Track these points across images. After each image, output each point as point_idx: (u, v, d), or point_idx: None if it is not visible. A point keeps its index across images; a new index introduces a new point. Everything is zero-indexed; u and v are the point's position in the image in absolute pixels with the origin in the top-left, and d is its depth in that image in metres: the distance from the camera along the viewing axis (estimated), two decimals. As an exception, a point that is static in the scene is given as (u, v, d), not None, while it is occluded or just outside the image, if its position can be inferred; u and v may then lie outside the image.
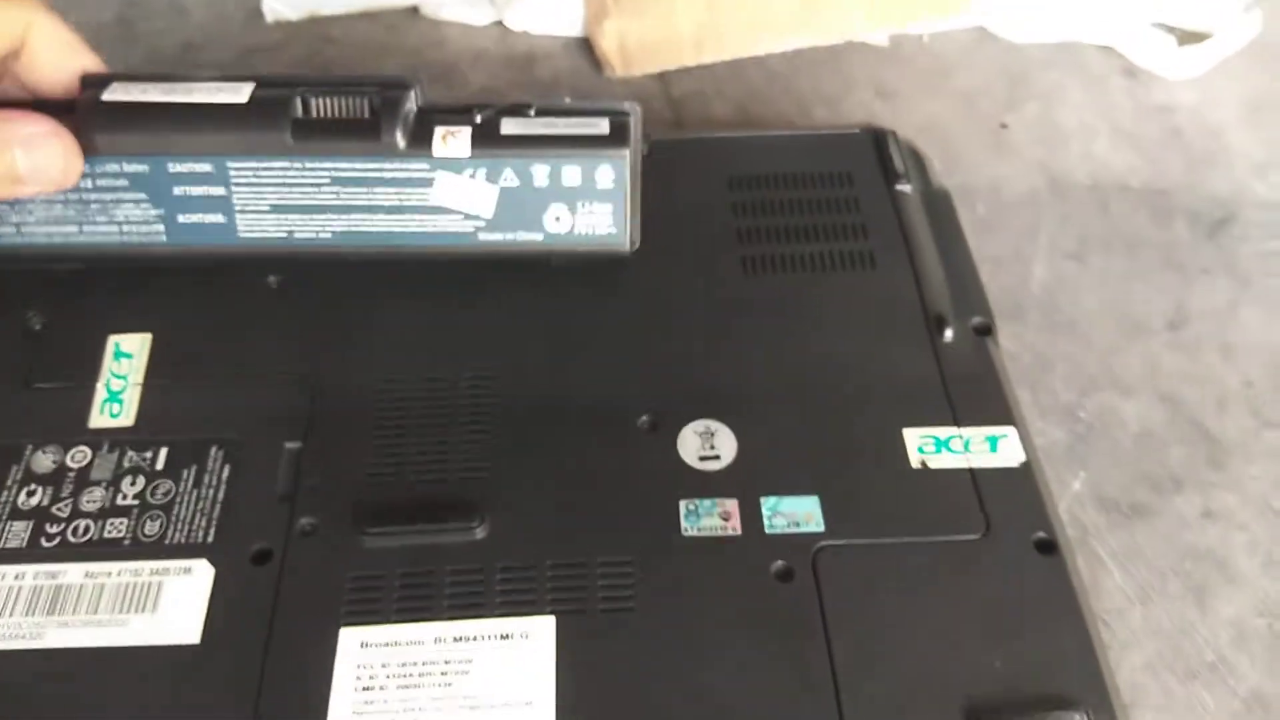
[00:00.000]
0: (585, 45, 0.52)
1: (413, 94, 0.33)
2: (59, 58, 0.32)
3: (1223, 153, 0.48)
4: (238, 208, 0.33)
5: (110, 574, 0.29)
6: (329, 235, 0.34)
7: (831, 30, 0.51)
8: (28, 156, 0.30)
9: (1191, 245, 0.44)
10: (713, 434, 0.32)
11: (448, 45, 0.52)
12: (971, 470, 0.31)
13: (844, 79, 0.51)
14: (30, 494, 0.30)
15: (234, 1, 0.54)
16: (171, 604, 0.28)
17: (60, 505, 0.30)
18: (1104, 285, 0.42)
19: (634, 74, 0.51)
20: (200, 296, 0.35)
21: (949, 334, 0.35)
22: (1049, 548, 0.30)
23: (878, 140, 0.41)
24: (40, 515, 0.30)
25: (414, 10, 0.54)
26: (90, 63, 0.32)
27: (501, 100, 0.34)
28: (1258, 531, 0.35)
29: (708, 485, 0.31)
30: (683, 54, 0.51)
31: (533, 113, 0.34)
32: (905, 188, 0.39)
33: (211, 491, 0.30)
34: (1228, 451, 0.37)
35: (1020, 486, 0.31)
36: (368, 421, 0.32)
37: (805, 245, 0.37)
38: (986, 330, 0.35)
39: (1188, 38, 0.51)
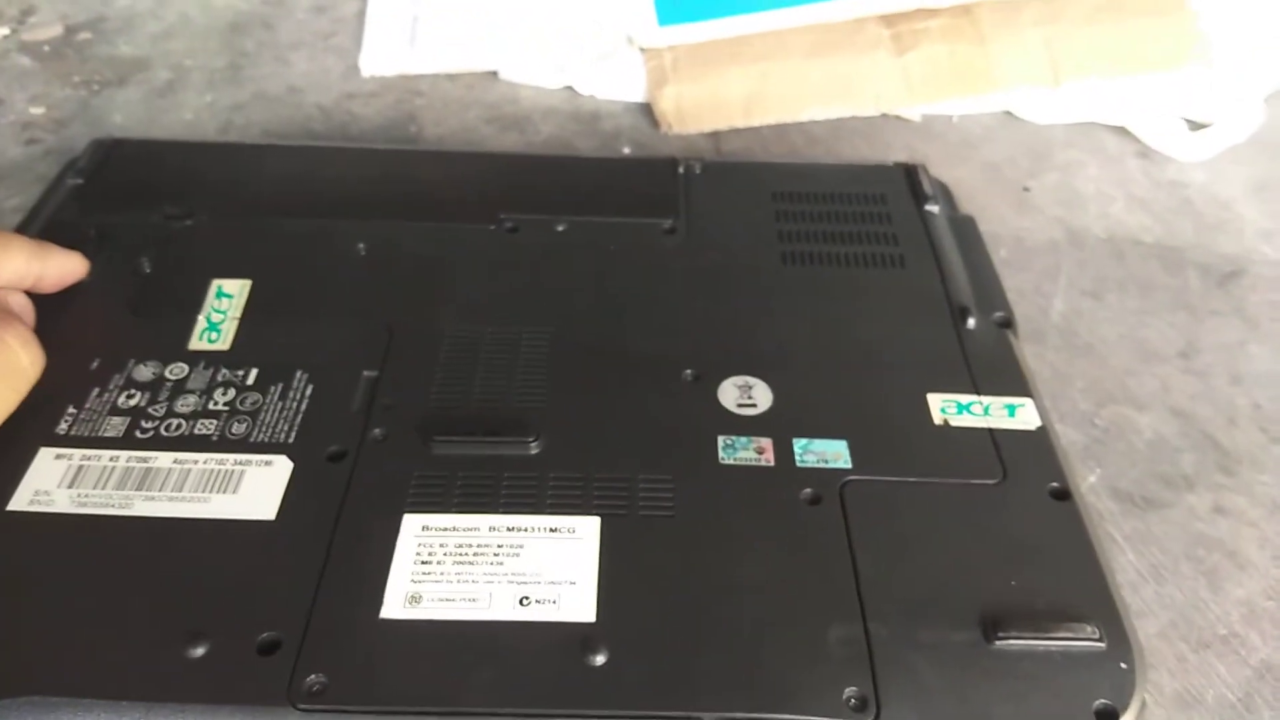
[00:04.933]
0: (645, 108, 0.58)
1: None
2: (25, 266, 0.35)
3: (1232, 220, 0.51)
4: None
5: (197, 462, 0.32)
6: None
7: (869, 103, 0.57)
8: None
9: (1202, 292, 0.47)
10: (750, 387, 0.35)
11: (521, 102, 0.58)
12: (990, 430, 0.34)
13: (879, 147, 0.56)
14: (130, 397, 0.34)
15: (334, 57, 0.60)
16: (251, 488, 0.31)
17: (156, 407, 0.33)
18: (1120, 319, 0.45)
19: (688, 131, 0.56)
20: (296, 255, 0.39)
21: (971, 322, 0.38)
22: (1063, 495, 0.32)
23: (909, 171, 0.45)
24: (137, 414, 0.33)
25: (493, 74, 0.60)
26: (60, 262, 0.36)
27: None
28: (1267, 530, 0.37)
29: (744, 427, 0.33)
30: (732, 116, 0.56)
31: None
32: (934, 208, 0.43)
33: (295, 404, 0.34)
34: (1238, 460, 0.39)
35: (1036, 445, 0.33)
36: (438, 359, 0.35)
37: (840, 246, 0.41)
38: (1007, 324, 0.38)
39: (1198, 125, 0.56)
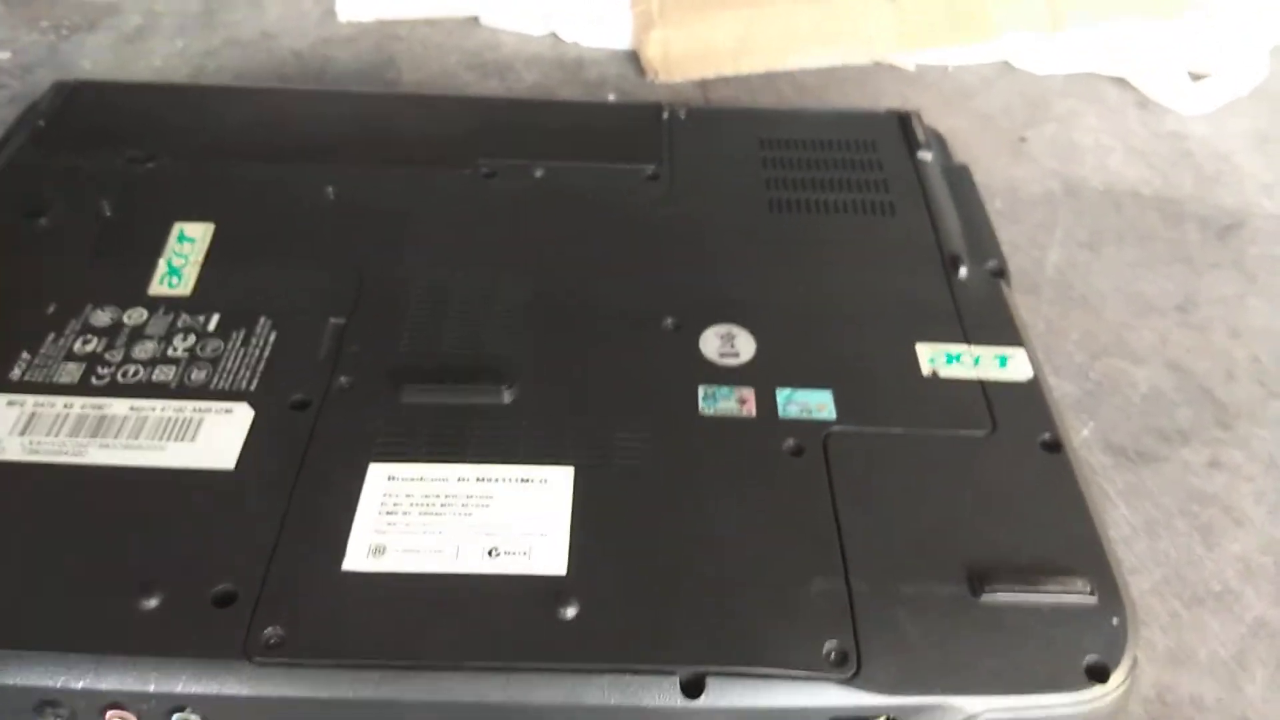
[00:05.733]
0: (631, 56, 0.56)
1: None
2: None
3: (1231, 173, 0.50)
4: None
5: (154, 409, 0.30)
6: None
7: (861, 50, 0.55)
8: None
9: (1201, 244, 0.46)
10: (733, 337, 0.33)
11: (504, 49, 0.56)
12: (980, 381, 0.32)
13: (871, 96, 0.54)
14: (85, 342, 0.32)
15: (310, 0, 0.58)
16: (209, 436, 0.30)
17: (112, 352, 0.32)
18: (1116, 271, 0.44)
19: (675, 80, 0.54)
20: (262, 198, 0.38)
21: (963, 271, 0.36)
22: (1054, 447, 0.31)
23: (902, 119, 0.43)
24: (93, 360, 0.32)
25: (474, 19, 0.58)
26: None
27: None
28: (1264, 484, 0.36)
29: (726, 377, 0.32)
30: (721, 63, 0.54)
31: None
32: (926, 155, 0.41)
33: (257, 351, 0.32)
34: (1235, 415, 0.38)
35: (1028, 396, 0.32)
36: (408, 307, 0.34)
37: (828, 194, 0.39)
38: (1000, 273, 0.37)
39: (1199, 77, 0.55)
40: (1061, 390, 0.38)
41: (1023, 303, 0.39)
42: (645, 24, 0.55)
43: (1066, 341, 0.40)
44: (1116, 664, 0.26)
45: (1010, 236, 0.44)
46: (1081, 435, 0.37)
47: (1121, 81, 0.55)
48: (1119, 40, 0.55)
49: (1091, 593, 0.27)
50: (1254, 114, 0.54)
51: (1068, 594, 0.27)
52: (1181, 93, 0.54)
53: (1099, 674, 0.25)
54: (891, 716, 0.25)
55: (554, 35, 0.57)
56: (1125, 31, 0.55)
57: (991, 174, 0.49)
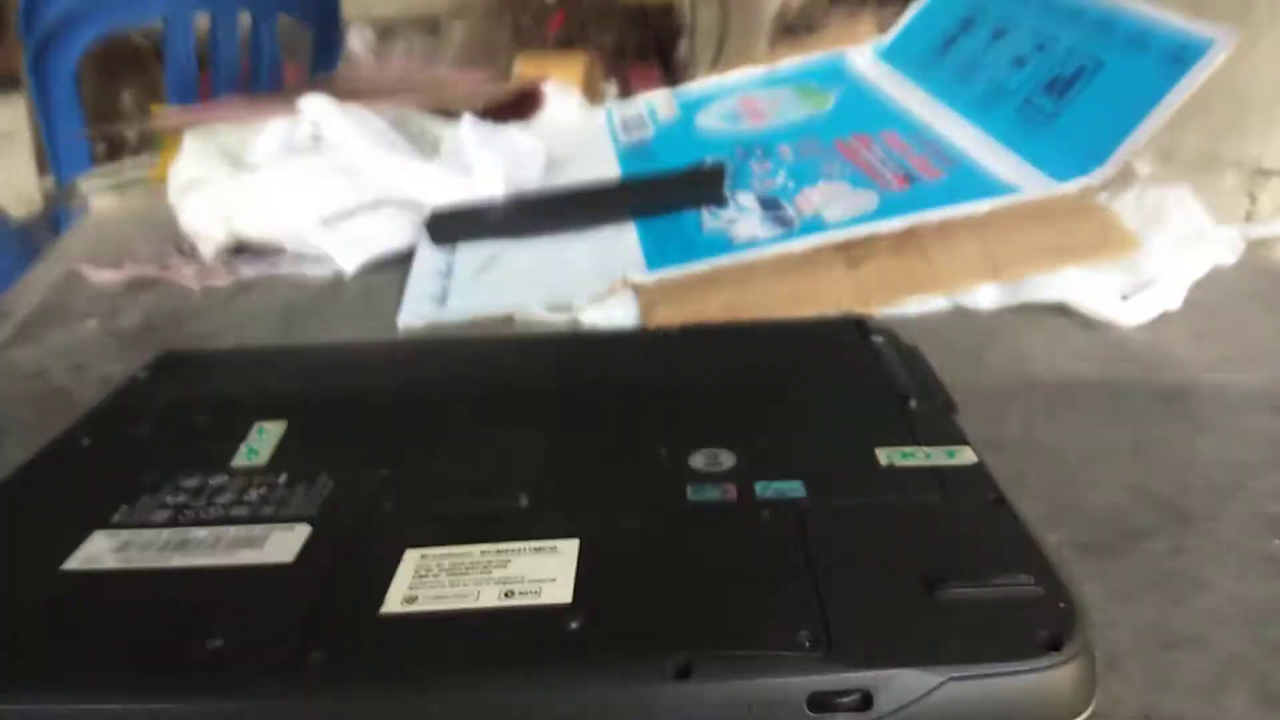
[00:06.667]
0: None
1: None
2: None
3: (1172, 362, 0.56)
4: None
5: (229, 532, 0.36)
6: None
7: (830, 307, 0.64)
8: None
9: (1149, 409, 0.51)
10: (717, 454, 0.39)
11: (533, 328, 0.67)
12: (933, 466, 0.37)
13: (847, 340, 0.62)
14: (175, 496, 0.39)
15: (373, 320, 0.70)
16: (273, 544, 0.35)
17: (197, 502, 0.38)
18: (1072, 431, 0.49)
19: (677, 341, 0.63)
20: (325, 400, 0.46)
21: (914, 403, 0.42)
22: (1000, 502, 0.35)
23: (858, 320, 0.52)
24: (180, 507, 0.38)
25: (509, 318, 0.69)
26: None
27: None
28: (1226, 560, 0.38)
29: (711, 479, 0.37)
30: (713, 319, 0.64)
31: None
32: (879, 339, 0.49)
33: (318, 494, 0.38)
34: (1193, 516, 0.41)
35: (975, 473, 0.37)
36: (445, 455, 0.41)
37: (792, 369, 0.47)
38: (949, 406, 0.43)
39: (1132, 291, 0.63)
40: (1026, 511, 0.42)
41: (987, 458, 0.44)
42: (649, 304, 0.66)
43: (1029, 479, 0.45)
44: (1068, 637, 0.28)
45: (970, 419, 0.50)
46: (1050, 539, 0.40)
47: (1062, 306, 0.63)
48: (1056, 277, 0.64)
49: (1038, 585, 0.30)
50: (1188, 320, 0.61)
51: (1015, 586, 0.30)
52: (1118, 310, 0.62)
53: (1052, 644, 0.28)
54: (865, 690, 0.28)
55: (574, 320, 0.68)
56: (1059, 273, 0.64)
57: (952, 380, 0.55)
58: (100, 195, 1.03)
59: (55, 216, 1.55)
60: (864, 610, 0.29)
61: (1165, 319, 0.61)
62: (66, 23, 1.43)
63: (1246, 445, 0.47)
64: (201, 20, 1.50)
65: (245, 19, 1.54)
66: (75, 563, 0.34)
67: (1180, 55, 0.68)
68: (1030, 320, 0.63)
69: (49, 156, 1.58)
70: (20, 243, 1.48)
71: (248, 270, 0.78)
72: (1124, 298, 0.63)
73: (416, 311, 0.70)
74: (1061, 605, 0.29)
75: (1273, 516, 0.41)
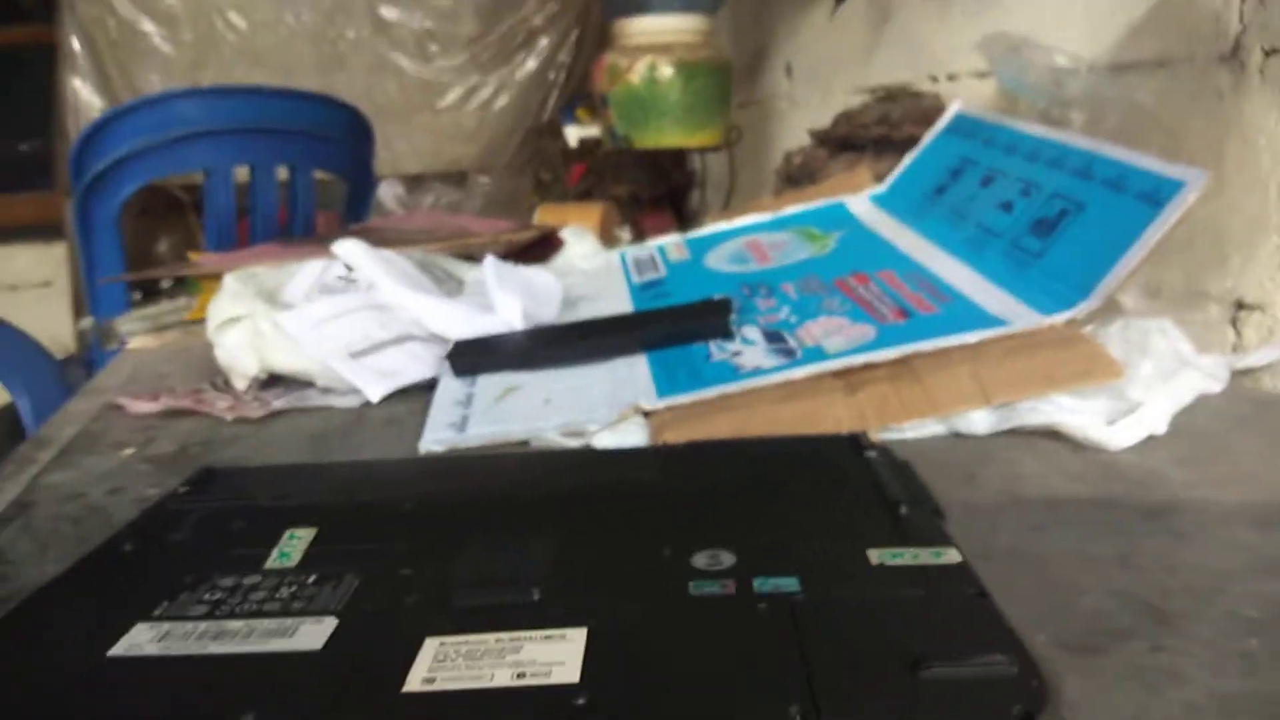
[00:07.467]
0: (649, 455, 0.69)
1: None
2: None
3: (1159, 481, 0.59)
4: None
5: (262, 623, 0.39)
6: None
7: (830, 429, 0.68)
8: None
9: (1134, 523, 0.53)
10: (718, 554, 0.42)
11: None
12: (920, 565, 0.40)
13: (848, 462, 0.65)
14: (212, 593, 0.42)
15: (396, 446, 0.74)
16: (303, 634, 0.38)
17: (233, 598, 0.41)
18: (1059, 543, 0.51)
19: (685, 463, 0.66)
20: (352, 510, 0.49)
21: (904, 509, 0.45)
22: (982, 596, 0.37)
23: (852, 437, 0.55)
24: (217, 603, 0.41)
25: (525, 442, 0.72)
26: None
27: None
28: (1205, 657, 0.40)
29: (712, 576, 0.40)
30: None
31: None
32: (872, 453, 0.52)
33: (345, 592, 0.41)
34: (1173, 617, 0.43)
35: (960, 571, 0.40)
36: (462, 555, 0.43)
37: (785, 480, 0.50)
38: (937, 513, 0.45)
39: (1119, 417, 0.66)
40: (1012, 614, 0.44)
41: (975, 565, 0.47)
42: (659, 428, 0.69)
43: (1018, 587, 0.47)
44: (1040, 712, 0.31)
45: (962, 528, 0.53)
46: (1035, 639, 0.42)
47: (1052, 432, 0.66)
48: (1046, 403, 0.67)
49: (1011, 665, 0.32)
50: (1174, 444, 0.64)
51: (991, 666, 0.32)
52: (1106, 435, 0.65)
53: (1026, 718, 0.30)
54: (851, 761, 0.30)
55: (588, 445, 0.71)
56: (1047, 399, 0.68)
57: (946, 497, 0.58)
58: (137, 335, 1.09)
59: (89, 358, 1.62)
60: (851, 688, 0.32)
61: (1154, 442, 0.64)
62: (113, 171, 1.53)
63: (1228, 555, 0.50)
64: (240, 172, 1.61)
65: (283, 172, 1.64)
66: (119, 649, 0.37)
67: (1155, 196, 0.73)
68: (1023, 443, 0.66)
69: (88, 300, 1.66)
70: (57, 381, 1.54)
71: (279, 402, 0.82)
72: (1110, 423, 0.66)
73: (437, 438, 0.74)
74: (1034, 683, 0.32)
75: (1250, 619, 0.43)
